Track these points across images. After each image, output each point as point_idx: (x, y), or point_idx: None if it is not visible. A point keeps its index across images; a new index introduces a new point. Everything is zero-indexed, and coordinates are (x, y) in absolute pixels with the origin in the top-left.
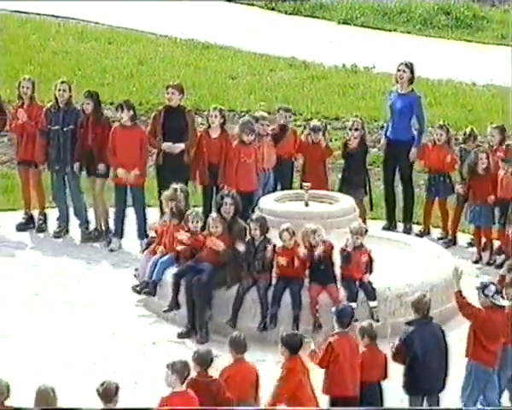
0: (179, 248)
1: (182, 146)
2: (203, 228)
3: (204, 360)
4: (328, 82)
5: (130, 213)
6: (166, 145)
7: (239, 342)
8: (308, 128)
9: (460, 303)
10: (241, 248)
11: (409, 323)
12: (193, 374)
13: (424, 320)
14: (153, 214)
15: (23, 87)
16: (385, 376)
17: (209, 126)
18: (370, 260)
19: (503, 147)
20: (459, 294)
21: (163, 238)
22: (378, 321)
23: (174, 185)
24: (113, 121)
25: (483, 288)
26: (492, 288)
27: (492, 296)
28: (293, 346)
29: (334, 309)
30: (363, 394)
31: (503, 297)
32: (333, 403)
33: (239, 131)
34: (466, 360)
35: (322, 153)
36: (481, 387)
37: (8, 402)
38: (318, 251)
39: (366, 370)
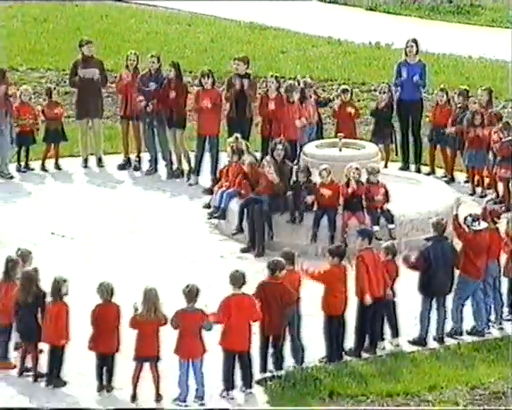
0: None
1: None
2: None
3: (275, 267)
4: (357, 55)
5: (207, 156)
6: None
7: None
8: (339, 91)
9: (455, 226)
10: (289, 195)
11: (427, 239)
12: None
13: (439, 238)
14: (223, 157)
15: (130, 59)
16: (396, 276)
17: (267, 90)
18: (386, 192)
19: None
20: (456, 218)
21: (228, 175)
22: (395, 239)
23: (236, 134)
24: (191, 86)
25: (464, 219)
26: (469, 218)
27: (471, 224)
28: (339, 254)
29: (358, 230)
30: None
31: (479, 223)
32: (361, 303)
33: (288, 93)
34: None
35: (350, 112)
36: (468, 293)
37: (113, 299)
38: (353, 185)
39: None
